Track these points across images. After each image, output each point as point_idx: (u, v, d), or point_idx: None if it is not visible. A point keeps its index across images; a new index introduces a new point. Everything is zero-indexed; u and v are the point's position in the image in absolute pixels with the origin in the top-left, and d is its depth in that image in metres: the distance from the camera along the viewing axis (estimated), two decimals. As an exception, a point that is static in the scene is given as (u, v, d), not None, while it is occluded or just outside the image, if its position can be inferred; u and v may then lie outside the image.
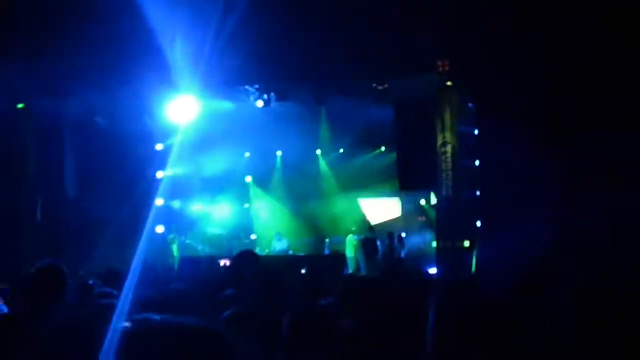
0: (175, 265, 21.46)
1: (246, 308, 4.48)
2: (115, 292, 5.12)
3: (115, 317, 2.07)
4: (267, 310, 4.40)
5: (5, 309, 6.57)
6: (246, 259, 7.21)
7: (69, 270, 5.11)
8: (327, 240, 24.65)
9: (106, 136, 20.52)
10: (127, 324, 1.99)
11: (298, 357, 4.12)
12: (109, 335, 1.96)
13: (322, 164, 28.21)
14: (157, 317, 2.05)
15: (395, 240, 23.53)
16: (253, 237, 27.20)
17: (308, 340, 4.23)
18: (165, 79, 18.04)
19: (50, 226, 19.57)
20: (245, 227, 27.78)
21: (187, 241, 24.25)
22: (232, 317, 4.42)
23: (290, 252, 24.36)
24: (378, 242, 22.70)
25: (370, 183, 26.66)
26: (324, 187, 27.93)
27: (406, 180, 20.61)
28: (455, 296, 3.94)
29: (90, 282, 5.84)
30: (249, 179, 28.31)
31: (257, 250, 23.78)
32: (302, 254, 24.32)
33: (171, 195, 22.53)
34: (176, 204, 24.27)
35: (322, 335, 4.33)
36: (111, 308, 4.14)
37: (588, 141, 14.73)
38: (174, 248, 23.46)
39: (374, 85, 19.44)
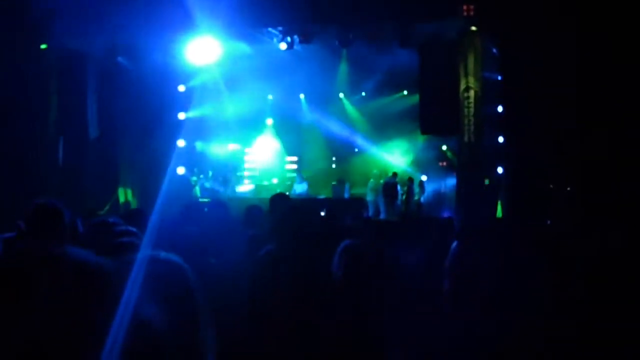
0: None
1: (280, 247, 4.57)
2: (137, 231, 5.09)
3: (138, 256, 2.11)
4: (298, 249, 4.48)
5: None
6: (278, 201, 7.31)
7: (91, 210, 5.14)
8: (347, 184, 24.70)
9: (129, 77, 20.58)
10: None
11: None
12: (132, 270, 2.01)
13: (348, 106, 28.18)
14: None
15: (416, 185, 23.60)
16: (275, 180, 27.32)
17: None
18: (187, 19, 18.01)
19: (73, 168, 19.70)
20: (266, 169, 27.95)
21: (207, 184, 24.35)
22: (266, 255, 4.52)
23: (310, 195, 24.50)
24: (398, 187, 22.80)
25: (392, 127, 26.62)
26: (346, 130, 27.94)
27: (427, 124, 20.49)
28: (478, 241, 4.03)
29: (111, 220, 5.81)
30: (270, 121, 28.36)
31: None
32: (322, 196, 24.43)
33: (193, 137, 22.60)
34: (198, 145, 24.37)
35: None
36: (130, 247, 4.21)
37: (612, 96, 14.68)
38: (197, 190, 23.64)
39: (403, 30, 19.32)
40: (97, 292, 1.70)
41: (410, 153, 27.21)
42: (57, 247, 1.74)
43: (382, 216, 22.69)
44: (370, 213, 22.65)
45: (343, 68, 24.58)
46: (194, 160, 23.57)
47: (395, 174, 23.99)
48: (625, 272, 4.19)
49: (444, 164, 25.95)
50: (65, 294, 1.64)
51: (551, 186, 15.82)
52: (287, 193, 24.25)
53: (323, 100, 27.21)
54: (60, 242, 1.87)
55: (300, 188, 24.75)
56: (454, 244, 4.32)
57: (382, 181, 23.88)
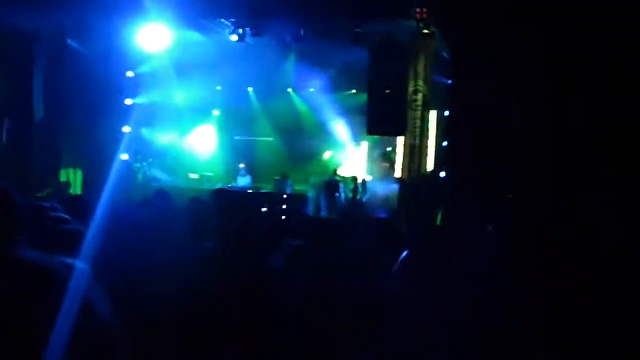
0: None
1: (221, 244, 4.55)
2: (69, 218, 5.01)
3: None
4: (239, 247, 4.46)
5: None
6: (221, 195, 7.25)
7: (30, 192, 5.05)
8: (289, 179, 24.69)
9: (77, 59, 20.27)
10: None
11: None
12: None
13: (296, 100, 28.19)
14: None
15: (359, 185, 23.68)
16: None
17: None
18: (139, 4, 17.86)
19: (15, 148, 19.41)
20: (211, 160, 27.84)
21: (151, 171, 24.15)
22: (208, 251, 4.49)
23: (252, 188, 24.53)
24: (340, 185, 22.87)
25: (339, 124, 26.73)
26: (292, 126, 27.96)
27: (375, 124, 20.61)
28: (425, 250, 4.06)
29: (47, 205, 5.65)
30: (216, 112, 28.26)
31: (220, 184, 23.98)
32: (264, 191, 24.42)
33: (139, 123, 22.38)
34: (144, 132, 24.12)
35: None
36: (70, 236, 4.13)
37: (563, 102, 14.83)
38: (139, 176, 23.44)
39: (354, 29, 19.38)
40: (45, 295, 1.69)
41: (355, 152, 27.33)
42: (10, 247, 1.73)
43: (322, 213, 22.75)
44: (311, 210, 22.66)
45: (292, 62, 24.51)
46: (139, 147, 23.33)
47: (336, 172, 24.05)
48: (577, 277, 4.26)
49: (387, 165, 26.12)
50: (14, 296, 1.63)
51: (494, 192, 15.94)
52: (230, 185, 24.32)
53: (271, 94, 27.24)
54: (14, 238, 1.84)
55: (243, 181, 24.75)
56: (404, 253, 4.35)
57: (326, 178, 23.93)
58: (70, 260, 2.07)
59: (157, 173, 24.43)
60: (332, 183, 22.96)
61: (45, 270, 1.79)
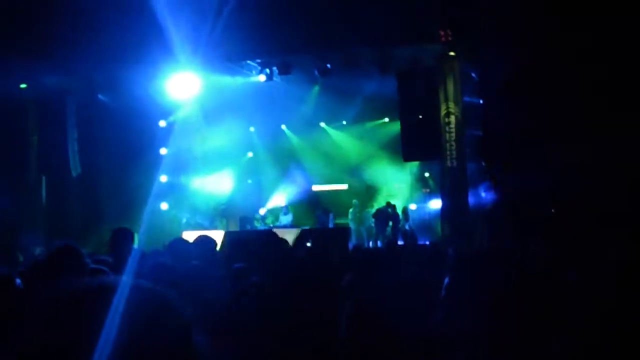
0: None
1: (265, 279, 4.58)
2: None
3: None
4: (283, 281, 4.50)
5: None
6: (270, 236, 7.32)
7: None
8: (331, 213, 24.73)
9: (109, 114, 20.56)
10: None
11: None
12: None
13: (332, 133, 28.27)
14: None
15: (400, 212, 23.66)
16: (262, 211, 27.28)
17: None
18: (167, 55, 18.06)
19: (56, 207, 19.65)
20: (252, 202, 27.91)
21: (189, 217, 24.29)
22: (252, 287, 4.52)
23: (295, 225, 24.55)
24: (394, 215, 22.94)
25: (374, 154, 26.82)
26: (326, 162, 28.01)
27: (410, 150, 20.57)
28: (472, 269, 4.04)
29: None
30: (250, 154, 28.43)
31: (263, 224, 24.14)
32: (307, 227, 24.47)
33: (175, 171, 22.55)
34: (181, 180, 24.29)
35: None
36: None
37: (593, 113, 14.78)
38: (183, 225, 23.56)
39: (376, 55, 19.47)
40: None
41: (393, 181, 27.32)
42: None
43: (367, 244, 22.82)
44: (354, 242, 22.70)
45: (322, 97, 24.59)
46: (177, 195, 23.50)
47: (389, 203, 24.03)
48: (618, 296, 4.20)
49: (427, 190, 26.12)
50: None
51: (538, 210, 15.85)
52: (271, 225, 24.40)
53: (305, 130, 27.38)
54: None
55: (285, 219, 24.80)
56: (446, 280, 4.37)
57: (370, 210, 24.08)
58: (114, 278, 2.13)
59: (198, 219, 24.59)
60: (381, 213, 23.11)
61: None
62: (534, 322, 3.82)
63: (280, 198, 28.01)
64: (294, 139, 28.10)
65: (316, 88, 23.90)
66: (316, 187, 28.72)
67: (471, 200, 18.48)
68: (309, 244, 12.03)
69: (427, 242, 19.38)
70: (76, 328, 1.75)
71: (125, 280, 2.04)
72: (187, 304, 2.07)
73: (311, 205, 27.15)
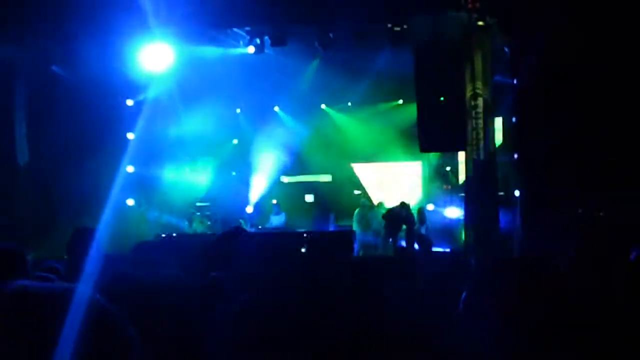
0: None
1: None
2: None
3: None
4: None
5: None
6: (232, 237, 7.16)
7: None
8: (332, 213, 24.68)
9: (65, 90, 20.34)
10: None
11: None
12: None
13: (336, 116, 28.20)
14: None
15: (415, 214, 23.53)
16: (249, 209, 27.23)
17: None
18: (136, 21, 17.93)
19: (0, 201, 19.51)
20: (236, 198, 27.81)
21: (160, 216, 24.16)
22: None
23: (288, 227, 24.47)
24: (402, 214, 22.69)
25: (385, 144, 26.71)
26: (330, 151, 27.86)
27: (428, 140, 20.38)
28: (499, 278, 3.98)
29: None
30: (235, 141, 28.33)
31: (250, 226, 23.99)
32: (302, 229, 24.34)
33: (144, 160, 22.41)
34: (151, 171, 24.12)
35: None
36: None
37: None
38: (144, 226, 23.38)
39: (390, 25, 19.36)
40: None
41: (406, 175, 27.26)
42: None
43: (375, 251, 22.75)
44: (356, 249, 22.55)
45: (323, 73, 24.49)
46: (146, 189, 23.37)
47: (404, 203, 23.72)
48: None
49: (448, 187, 25.99)
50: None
51: (579, 211, 15.76)
52: (260, 227, 24.34)
53: (302, 112, 27.26)
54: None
55: (277, 220, 24.69)
56: (464, 293, 4.30)
57: (378, 209, 23.96)
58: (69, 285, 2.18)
59: (171, 218, 24.49)
60: (392, 214, 22.85)
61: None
62: (567, 346, 3.77)
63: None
64: (289, 122, 28.01)
65: (316, 62, 23.82)
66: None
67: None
68: (303, 250, 12.00)
69: (448, 249, 19.37)
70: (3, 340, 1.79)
71: (76, 290, 2.03)
72: (131, 324, 2.06)
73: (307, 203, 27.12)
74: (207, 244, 7.31)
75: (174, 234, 22.66)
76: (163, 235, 21.42)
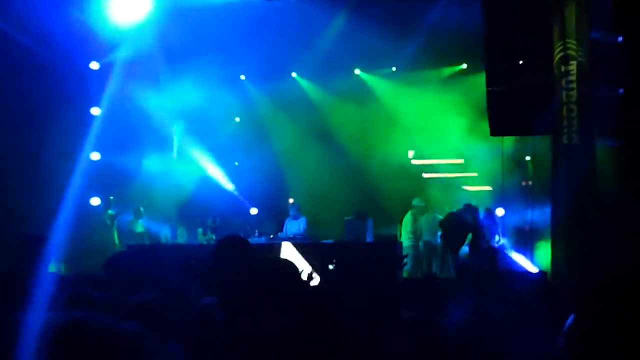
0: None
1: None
2: None
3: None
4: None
5: None
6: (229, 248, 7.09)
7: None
8: (370, 219, 24.66)
9: (7, 51, 20.39)
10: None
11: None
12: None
13: (373, 87, 28.21)
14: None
15: (482, 218, 23.46)
16: (254, 211, 27.29)
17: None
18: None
19: None
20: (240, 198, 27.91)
21: (135, 220, 24.17)
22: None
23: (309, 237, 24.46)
24: (467, 220, 22.54)
25: (442, 123, 26.67)
26: (366, 131, 27.81)
27: (501, 120, 20.27)
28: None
29: None
30: (238, 119, 28.37)
31: (257, 234, 23.98)
32: (330, 240, 24.26)
33: (114, 145, 22.42)
34: (122, 159, 24.08)
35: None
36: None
37: None
38: (115, 233, 23.34)
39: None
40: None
41: (472, 166, 27.23)
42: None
43: (429, 268, 22.77)
44: (408, 266, 22.52)
45: (356, 29, 24.41)
46: (115, 184, 23.40)
47: (470, 205, 23.54)
48: None
49: (527, 183, 25.90)
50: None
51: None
52: (272, 235, 24.36)
53: (329, 79, 27.22)
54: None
55: (294, 227, 24.65)
56: (570, 318, 4.27)
57: (433, 214, 23.98)
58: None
59: (150, 225, 24.52)
60: (453, 220, 22.73)
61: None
62: None
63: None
64: (311, 92, 28.00)
65: (344, 14, 23.81)
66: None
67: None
68: (331, 267, 11.97)
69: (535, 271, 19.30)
70: None
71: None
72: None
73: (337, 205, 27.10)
74: (198, 259, 7.31)
75: (154, 244, 22.72)
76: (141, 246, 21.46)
